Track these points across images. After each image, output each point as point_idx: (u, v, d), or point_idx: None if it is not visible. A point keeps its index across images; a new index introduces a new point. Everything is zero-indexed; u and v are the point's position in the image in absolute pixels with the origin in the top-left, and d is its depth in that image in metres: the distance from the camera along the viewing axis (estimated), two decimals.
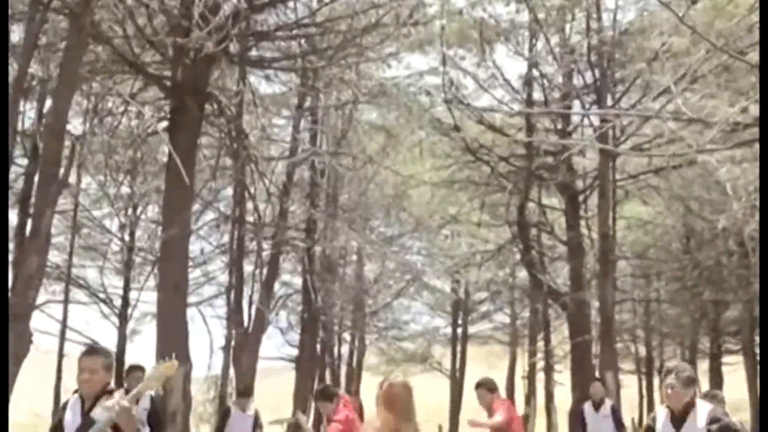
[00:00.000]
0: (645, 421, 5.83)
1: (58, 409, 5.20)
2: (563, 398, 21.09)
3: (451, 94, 16.58)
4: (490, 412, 8.39)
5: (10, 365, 7.17)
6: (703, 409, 5.56)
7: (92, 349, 5.25)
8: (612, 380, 14.39)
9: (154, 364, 5.16)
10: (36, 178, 10.70)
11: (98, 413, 5.02)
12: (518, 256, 20.01)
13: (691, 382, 5.60)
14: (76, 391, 5.15)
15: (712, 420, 5.49)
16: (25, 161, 14.20)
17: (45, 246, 7.31)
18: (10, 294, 7.44)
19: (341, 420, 8.02)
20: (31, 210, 9.74)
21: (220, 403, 15.31)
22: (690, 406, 5.55)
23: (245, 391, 12.84)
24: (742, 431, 5.82)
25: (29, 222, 8.86)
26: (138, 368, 9.55)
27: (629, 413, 19.02)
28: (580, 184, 18.36)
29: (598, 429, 11.20)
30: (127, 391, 9.11)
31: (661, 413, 5.74)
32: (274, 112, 17.02)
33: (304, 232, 17.79)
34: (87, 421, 4.97)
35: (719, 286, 20.83)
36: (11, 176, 13.91)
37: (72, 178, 15.76)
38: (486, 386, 8.45)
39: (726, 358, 25.43)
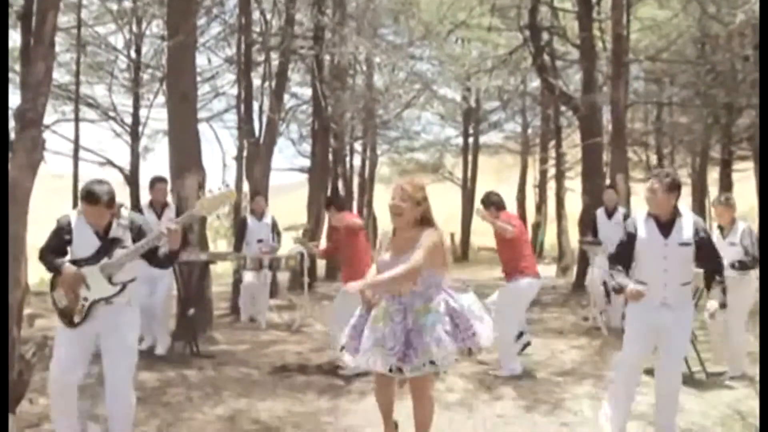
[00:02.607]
0: (625, 228, 5.68)
1: (56, 229, 5.30)
2: (573, 205, 21.36)
3: None
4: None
5: (25, 174, 7.19)
6: (688, 218, 5.59)
7: (94, 197, 5.13)
8: (622, 183, 14.44)
9: (210, 190, 5.24)
10: None
11: (120, 232, 5.25)
12: (530, 62, 19.71)
13: (675, 187, 5.56)
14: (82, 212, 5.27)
15: (698, 229, 5.54)
16: None
17: (50, 51, 7.14)
18: (21, 103, 7.38)
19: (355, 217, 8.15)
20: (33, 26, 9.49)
21: (235, 217, 15.52)
22: (676, 213, 5.57)
23: (258, 192, 13.06)
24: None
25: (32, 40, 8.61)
26: (161, 180, 9.69)
27: None
28: None
29: (609, 235, 11.29)
30: (151, 203, 9.41)
31: (641, 217, 5.70)
32: None
33: (312, 40, 17.46)
34: (110, 242, 5.24)
35: (733, 90, 20.59)
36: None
37: None
38: (491, 202, 8.50)
39: (737, 165, 25.52)
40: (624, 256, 5.77)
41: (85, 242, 5.19)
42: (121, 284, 5.20)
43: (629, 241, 5.73)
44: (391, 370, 4.88)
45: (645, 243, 5.61)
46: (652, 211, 5.59)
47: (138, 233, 5.27)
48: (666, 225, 5.55)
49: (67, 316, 5.23)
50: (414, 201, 5.09)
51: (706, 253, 5.59)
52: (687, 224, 5.54)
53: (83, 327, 5.21)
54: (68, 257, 5.24)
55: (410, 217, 5.10)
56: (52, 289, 5.29)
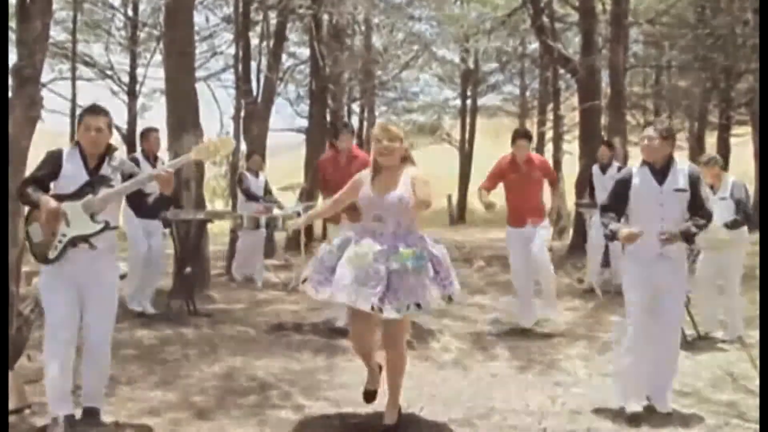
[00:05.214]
0: (618, 176, 5.65)
1: (46, 158, 5.06)
2: (571, 168, 21.32)
3: None
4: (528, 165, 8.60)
5: (23, 131, 7.19)
6: (683, 165, 5.61)
7: (98, 108, 5.21)
8: (620, 145, 14.42)
9: (208, 137, 5.19)
10: None
11: (109, 171, 5.12)
12: (529, 23, 19.57)
13: (670, 136, 5.57)
14: (76, 145, 5.13)
15: (693, 175, 5.55)
16: None
17: (47, 7, 7.14)
18: (17, 60, 7.35)
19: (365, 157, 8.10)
20: None
21: (232, 175, 15.51)
22: (670, 161, 5.57)
23: (254, 152, 13.08)
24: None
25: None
26: (154, 130, 9.64)
27: None
28: None
29: (605, 191, 11.31)
30: (143, 151, 9.34)
31: (636, 166, 5.70)
32: None
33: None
34: (99, 179, 5.04)
35: (732, 54, 20.50)
36: None
37: None
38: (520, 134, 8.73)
39: (735, 130, 25.48)
40: (616, 203, 5.72)
41: (73, 174, 4.98)
42: (104, 222, 4.95)
43: (622, 189, 5.68)
44: (373, 309, 4.93)
45: (640, 190, 5.57)
46: (647, 159, 5.58)
47: (128, 178, 5.06)
48: (660, 172, 5.54)
49: (40, 252, 5.01)
50: (400, 140, 5.22)
51: (694, 201, 5.54)
52: (682, 171, 5.54)
53: (64, 280, 4.98)
54: (50, 193, 4.97)
55: (397, 156, 5.21)
56: (28, 223, 5.05)
